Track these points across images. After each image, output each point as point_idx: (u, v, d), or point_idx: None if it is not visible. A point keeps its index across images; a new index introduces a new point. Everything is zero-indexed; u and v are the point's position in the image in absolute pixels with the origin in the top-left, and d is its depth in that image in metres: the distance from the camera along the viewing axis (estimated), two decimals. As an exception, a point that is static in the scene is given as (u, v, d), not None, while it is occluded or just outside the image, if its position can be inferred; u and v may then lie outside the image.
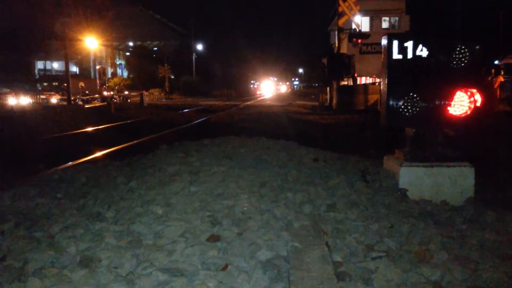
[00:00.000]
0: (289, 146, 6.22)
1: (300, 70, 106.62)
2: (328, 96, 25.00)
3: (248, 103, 35.10)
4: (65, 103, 32.91)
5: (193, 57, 62.69)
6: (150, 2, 64.83)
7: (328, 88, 25.22)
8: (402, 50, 4.41)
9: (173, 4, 72.04)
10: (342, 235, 3.32)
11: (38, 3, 37.78)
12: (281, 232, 3.25)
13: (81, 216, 3.66)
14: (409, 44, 4.40)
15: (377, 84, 26.17)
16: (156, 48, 65.31)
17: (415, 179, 4.46)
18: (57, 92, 39.05)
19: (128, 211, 3.68)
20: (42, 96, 36.78)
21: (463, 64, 4.37)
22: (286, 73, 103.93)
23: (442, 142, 4.65)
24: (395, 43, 4.40)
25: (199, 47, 66.78)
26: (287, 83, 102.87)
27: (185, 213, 3.57)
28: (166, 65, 55.70)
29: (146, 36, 62.79)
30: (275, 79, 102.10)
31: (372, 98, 21.59)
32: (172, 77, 59.48)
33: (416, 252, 3.11)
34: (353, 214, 3.69)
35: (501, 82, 21.88)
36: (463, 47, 4.35)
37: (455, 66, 4.38)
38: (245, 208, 3.67)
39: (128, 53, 61.77)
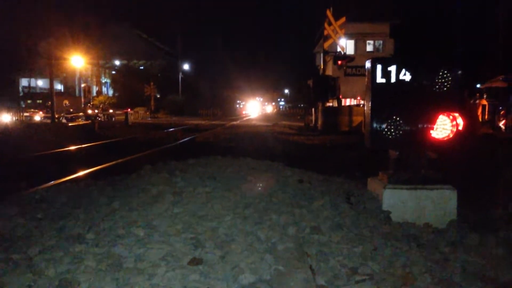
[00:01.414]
0: (275, 167, 6.22)
1: (286, 91, 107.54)
2: (313, 117, 25.17)
3: (234, 123, 35.14)
4: (48, 121, 32.56)
5: (180, 76, 62.84)
6: (137, 21, 65.16)
7: (313, 109, 25.40)
8: (386, 74, 4.47)
9: (160, 23, 72.32)
10: (326, 258, 3.30)
11: (24, 21, 37.66)
12: (264, 254, 3.22)
13: (61, 237, 3.59)
14: (392, 68, 4.47)
15: (361, 106, 26.47)
16: (142, 67, 65.38)
17: (398, 201, 4.48)
18: (41, 110, 38.69)
19: (109, 232, 3.62)
20: (25, 114, 36.39)
21: (445, 88, 4.44)
22: (272, 93, 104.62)
23: (425, 164, 4.69)
24: (379, 67, 4.47)
25: (186, 66, 67.10)
26: (273, 104, 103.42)
27: (167, 235, 3.52)
28: (152, 84, 55.72)
29: (132, 55, 62.88)
30: (261, 99, 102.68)
31: (357, 119, 21.81)
32: (158, 96, 59.48)
33: (399, 275, 3.10)
34: (337, 237, 3.68)
35: (483, 105, 22.30)
36: (445, 71, 4.43)
37: (437, 90, 4.45)
38: (228, 230, 3.63)
39: (114, 72, 61.69)
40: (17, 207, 4.48)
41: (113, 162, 10.16)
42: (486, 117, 22.05)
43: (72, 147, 13.87)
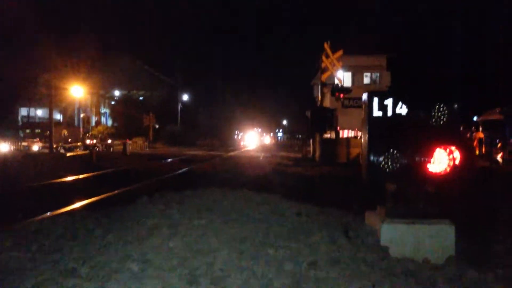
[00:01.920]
0: (272, 199, 6.19)
1: (284, 122, 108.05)
2: (311, 148, 25.20)
3: (232, 153, 35.14)
4: (47, 150, 32.55)
5: (179, 107, 63.20)
6: (138, 52, 65.95)
7: (311, 140, 25.47)
8: (382, 107, 4.50)
9: (160, 55, 73.24)
10: (323, 295, 3.24)
11: (25, 51, 38.11)
12: (261, 291, 3.16)
13: (55, 271, 3.54)
14: (389, 102, 4.50)
15: (359, 137, 26.56)
16: (142, 98, 65.81)
17: (396, 236, 4.44)
18: (39, 140, 38.73)
19: (104, 267, 3.56)
20: (23, 143, 36.39)
21: (442, 122, 4.46)
22: (270, 124, 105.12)
23: (423, 198, 4.67)
24: (376, 101, 4.50)
25: (185, 97, 67.52)
26: (271, 134, 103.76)
27: (162, 270, 3.47)
28: (151, 114, 55.96)
29: (132, 85, 63.37)
30: (259, 130, 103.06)
31: (354, 151, 21.83)
32: (157, 126, 59.65)
33: (398, 313, 3.05)
34: (334, 272, 3.63)
35: (480, 138, 22.38)
36: (441, 105, 4.46)
37: (434, 123, 4.48)
38: (224, 265, 3.58)
39: (113, 102, 62.08)
40: (12, 239, 4.44)
41: (110, 193, 10.11)
42: (483, 150, 22.11)
43: (69, 178, 13.82)
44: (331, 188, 11.72)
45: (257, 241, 4.20)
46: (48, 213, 7.16)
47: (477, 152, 21.48)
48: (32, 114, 57.09)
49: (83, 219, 5.39)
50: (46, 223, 5.29)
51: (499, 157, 19.87)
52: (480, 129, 23.13)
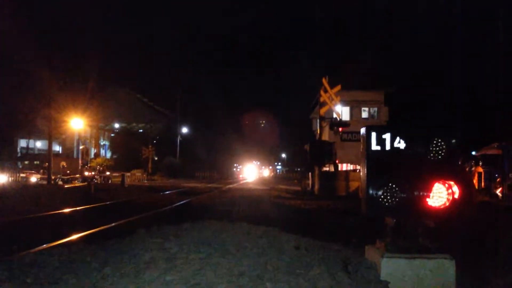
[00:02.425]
0: (270, 233, 6.13)
1: (283, 155, 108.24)
2: (310, 182, 25.17)
3: (231, 186, 35.05)
4: (45, 182, 32.45)
5: (178, 139, 63.40)
6: (137, 85, 66.71)
7: (310, 173, 25.48)
8: (380, 141, 4.53)
9: (160, 88, 74.00)
10: (322, 331, 3.18)
11: (24, 83, 38.49)
12: (259, 326, 3.11)
13: (49, 305, 3.47)
14: (387, 136, 4.53)
15: (358, 171, 26.57)
16: (141, 130, 66.14)
17: (396, 271, 4.39)
18: (37, 171, 38.68)
19: (100, 300, 3.51)
20: (21, 175, 36.29)
21: (440, 156, 4.48)
22: (269, 157, 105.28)
23: (422, 233, 4.65)
24: (373, 135, 4.54)
25: (184, 130, 67.86)
26: (270, 167, 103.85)
27: (159, 304, 3.42)
28: (150, 146, 56.11)
29: (132, 118, 63.88)
30: (258, 163, 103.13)
31: (353, 184, 21.83)
32: (156, 158, 59.68)
33: None
34: (334, 308, 3.57)
35: (479, 172, 22.40)
36: (439, 140, 4.49)
37: (432, 158, 4.50)
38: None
39: (113, 134, 62.33)
40: (6, 271, 4.38)
41: (107, 226, 10.04)
42: (482, 184, 22.08)
43: (67, 210, 13.73)
44: (330, 222, 11.65)
45: (255, 275, 4.15)
46: (45, 245, 7.09)
47: (476, 187, 21.44)
48: (31, 145, 57.25)
49: (79, 252, 5.33)
50: (42, 255, 5.22)
51: (498, 192, 19.84)
52: (480, 163, 23.13)
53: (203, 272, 4.09)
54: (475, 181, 21.86)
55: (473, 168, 23.03)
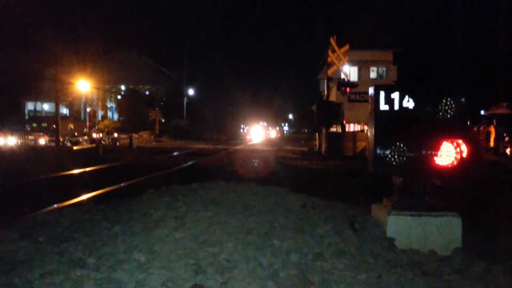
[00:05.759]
0: (278, 192, 6.18)
1: (290, 116, 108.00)
2: (317, 142, 25.16)
3: (238, 147, 35.17)
4: (53, 144, 32.75)
5: (184, 101, 63.27)
6: (144, 47, 66.10)
7: (317, 134, 25.43)
8: (389, 101, 4.48)
9: (166, 49, 73.32)
10: (329, 286, 3.25)
11: (31, 46, 38.28)
12: (267, 281, 3.17)
13: (62, 261, 3.56)
14: (395, 95, 4.48)
15: (365, 131, 26.49)
16: (148, 92, 65.95)
17: (402, 228, 4.43)
18: (46, 133, 38.95)
19: (111, 257, 3.58)
20: (30, 137, 36.62)
21: (449, 115, 4.44)
22: (276, 118, 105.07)
23: (430, 191, 4.66)
24: (382, 94, 4.48)
25: (191, 92, 67.56)
26: (277, 128, 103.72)
27: (168, 260, 3.48)
28: (157, 109, 56.09)
29: (138, 80, 63.53)
30: (265, 124, 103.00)
31: (361, 145, 21.78)
32: (163, 120, 59.76)
33: (404, 305, 3.05)
34: (340, 264, 3.63)
35: (488, 132, 22.21)
36: (448, 99, 4.43)
37: (441, 117, 4.45)
38: (230, 256, 3.59)
39: (119, 97, 62.26)
40: (18, 230, 4.46)
41: (116, 186, 10.16)
42: (491, 143, 21.96)
43: (76, 171, 13.89)
44: (337, 181, 11.71)
45: (263, 232, 4.21)
46: (55, 205, 7.21)
47: (484, 146, 21.35)
48: (38, 108, 57.48)
49: (89, 211, 5.41)
50: (53, 215, 5.31)
51: (507, 151, 19.77)
52: (494, 122, 22.78)
53: (211, 230, 4.15)
54: (483, 140, 21.76)
55: (485, 127, 22.81)
